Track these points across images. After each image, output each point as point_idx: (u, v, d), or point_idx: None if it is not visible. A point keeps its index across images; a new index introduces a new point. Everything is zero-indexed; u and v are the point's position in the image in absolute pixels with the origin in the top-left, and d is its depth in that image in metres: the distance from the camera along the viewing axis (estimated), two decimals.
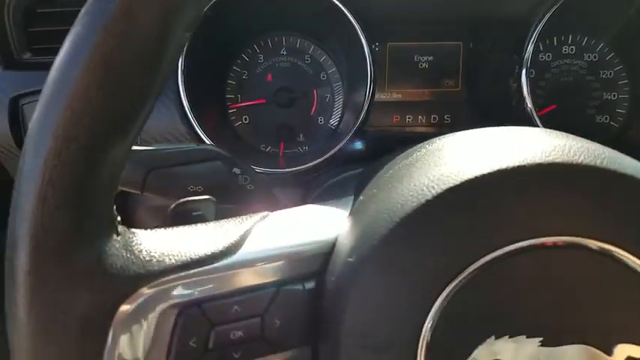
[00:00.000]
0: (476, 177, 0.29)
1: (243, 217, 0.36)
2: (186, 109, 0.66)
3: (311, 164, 0.67)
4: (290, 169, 0.68)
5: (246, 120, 0.79)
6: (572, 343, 0.29)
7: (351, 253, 0.32)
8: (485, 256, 0.29)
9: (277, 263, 0.34)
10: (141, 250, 0.31)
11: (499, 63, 0.73)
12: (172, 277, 0.31)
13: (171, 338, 0.31)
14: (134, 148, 0.44)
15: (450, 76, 0.76)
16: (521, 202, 0.29)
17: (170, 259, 0.31)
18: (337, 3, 0.65)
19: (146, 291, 0.30)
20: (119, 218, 0.31)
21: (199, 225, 0.35)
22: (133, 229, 0.32)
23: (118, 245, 0.30)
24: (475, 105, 0.76)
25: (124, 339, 0.30)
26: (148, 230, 0.33)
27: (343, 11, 0.66)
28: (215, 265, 0.32)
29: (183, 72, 0.67)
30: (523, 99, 0.66)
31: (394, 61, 0.76)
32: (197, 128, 0.66)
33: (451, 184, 0.29)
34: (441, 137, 0.36)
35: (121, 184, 0.35)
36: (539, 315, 0.29)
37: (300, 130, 0.79)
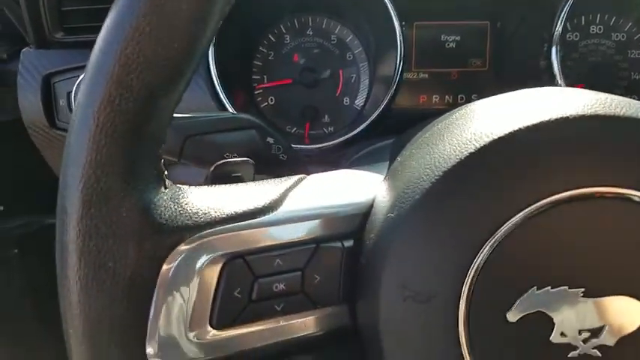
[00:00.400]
0: (520, 129, 0.29)
1: (282, 178, 0.37)
2: (218, 88, 0.67)
3: (337, 141, 0.68)
4: (316, 145, 0.68)
5: (272, 101, 0.80)
6: (615, 295, 0.29)
7: (392, 209, 0.32)
8: (528, 207, 0.29)
9: (316, 221, 0.34)
10: (187, 203, 0.32)
11: (527, 42, 0.73)
12: (218, 229, 0.32)
13: (217, 288, 0.32)
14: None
15: (478, 56, 0.76)
16: (565, 154, 0.29)
17: (216, 212, 0.32)
18: None
19: (192, 242, 0.31)
20: (166, 172, 0.32)
21: (240, 184, 0.36)
22: (179, 185, 0.33)
23: (165, 197, 0.31)
24: (503, 84, 0.76)
25: (171, 288, 0.31)
26: (193, 186, 0.34)
27: None
28: (258, 219, 0.33)
29: (214, 51, 0.67)
30: (554, 76, 0.66)
31: (421, 40, 0.76)
32: (229, 107, 0.67)
33: (496, 137, 0.30)
34: (481, 100, 0.36)
35: None
36: (582, 266, 0.29)
37: (325, 111, 0.79)
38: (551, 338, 0.30)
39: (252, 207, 0.33)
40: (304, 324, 0.34)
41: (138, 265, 0.29)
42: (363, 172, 0.39)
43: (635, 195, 0.29)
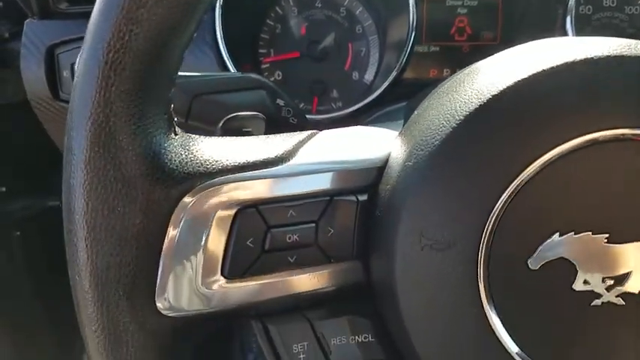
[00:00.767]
0: (543, 70, 0.28)
1: (295, 132, 0.36)
2: (228, 64, 0.66)
3: (347, 111, 0.67)
4: (324, 116, 0.67)
5: (279, 76, 0.79)
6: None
7: (409, 159, 0.31)
8: (550, 150, 0.28)
9: (330, 174, 0.33)
10: (198, 151, 0.31)
11: (539, 15, 0.72)
12: (230, 177, 0.31)
13: (229, 237, 0.31)
14: (180, 73, 0.44)
15: (489, 29, 0.75)
16: (589, 96, 0.28)
17: (227, 161, 0.31)
18: None
19: (204, 190, 0.30)
20: (176, 119, 0.31)
21: (252, 137, 0.35)
22: (189, 134, 0.32)
23: (176, 144, 0.30)
24: None
25: (182, 235, 0.30)
26: (204, 136, 0.33)
27: None
28: (271, 169, 0.32)
29: (221, 27, 0.66)
30: None
31: (432, 13, 0.74)
32: None
33: (519, 79, 0.29)
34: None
35: None
36: (606, 211, 0.28)
37: (334, 86, 0.78)
38: (573, 286, 0.29)
39: (265, 157, 0.32)
40: (317, 278, 0.33)
41: (148, 211, 0.29)
42: (378, 129, 0.38)
43: None
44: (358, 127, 0.39)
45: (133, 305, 0.29)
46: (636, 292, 0.29)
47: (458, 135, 0.29)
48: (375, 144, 0.35)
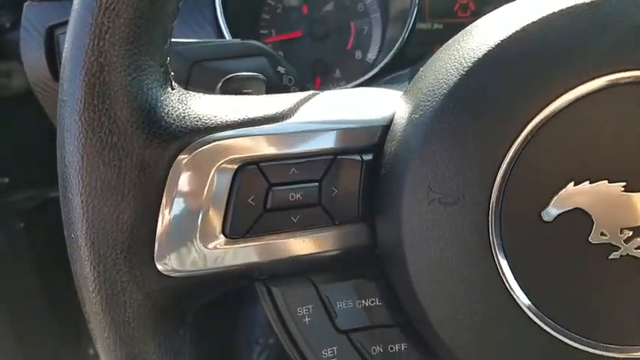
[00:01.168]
0: (554, 12, 0.27)
1: (296, 93, 0.35)
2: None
3: (349, 85, 0.66)
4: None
5: (281, 56, 0.78)
6: None
7: (416, 111, 0.30)
8: (563, 95, 0.27)
9: (334, 132, 0.32)
10: (196, 106, 0.30)
11: None
12: (229, 133, 0.30)
13: (230, 194, 0.30)
14: (179, 40, 0.43)
15: (493, 6, 0.73)
16: (601, 37, 0.27)
17: (227, 116, 0.30)
18: None
19: (202, 145, 0.29)
20: (173, 74, 0.30)
21: (252, 96, 0.34)
22: (187, 90, 0.31)
23: (173, 98, 0.29)
24: None
25: (180, 193, 0.29)
26: (202, 93, 0.32)
27: None
28: (272, 126, 0.31)
29: (222, 7, 0.65)
30: None
31: None
32: None
33: (529, 21, 0.27)
34: None
35: None
36: (623, 158, 0.27)
37: (336, 66, 0.77)
38: (589, 238, 0.27)
39: (265, 113, 0.31)
40: (322, 240, 0.32)
41: (144, 165, 0.28)
42: (382, 89, 0.37)
43: None
44: (362, 87, 0.38)
45: (131, 264, 0.28)
46: None
47: (466, 83, 0.28)
48: (380, 103, 0.34)
